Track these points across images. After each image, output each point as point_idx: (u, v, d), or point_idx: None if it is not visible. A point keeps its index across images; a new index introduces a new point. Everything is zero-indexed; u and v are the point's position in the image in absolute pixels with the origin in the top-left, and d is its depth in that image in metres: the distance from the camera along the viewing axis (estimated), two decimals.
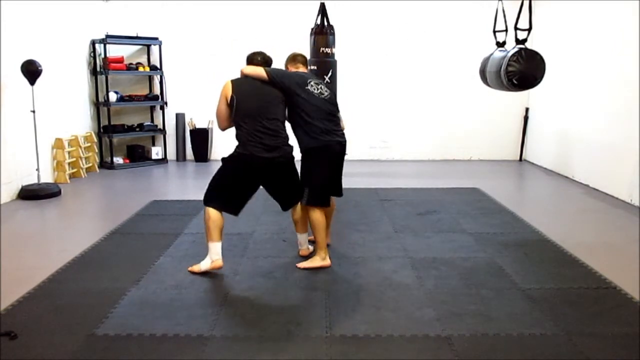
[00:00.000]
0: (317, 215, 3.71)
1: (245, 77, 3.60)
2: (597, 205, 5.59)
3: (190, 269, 3.66)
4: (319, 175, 3.72)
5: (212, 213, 3.54)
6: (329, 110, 3.71)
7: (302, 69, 3.85)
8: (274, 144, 3.51)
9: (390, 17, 7.97)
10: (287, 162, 3.64)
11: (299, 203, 3.81)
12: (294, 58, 3.89)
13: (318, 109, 3.64)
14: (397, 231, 4.60)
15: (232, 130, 3.63)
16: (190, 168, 7.72)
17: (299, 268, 3.73)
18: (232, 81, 3.57)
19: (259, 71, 3.57)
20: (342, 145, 3.75)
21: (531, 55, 4.54)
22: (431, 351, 2.67)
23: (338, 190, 3.94)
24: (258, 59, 3.66)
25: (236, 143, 3.57)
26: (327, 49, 6.39)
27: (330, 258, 3.81)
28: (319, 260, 3.76)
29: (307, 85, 3.64)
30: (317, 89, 3.67)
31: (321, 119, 3.64)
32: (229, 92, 3.51)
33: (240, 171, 3.54)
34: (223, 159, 3.63)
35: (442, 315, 3.03)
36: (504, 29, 4.93)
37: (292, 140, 3.67)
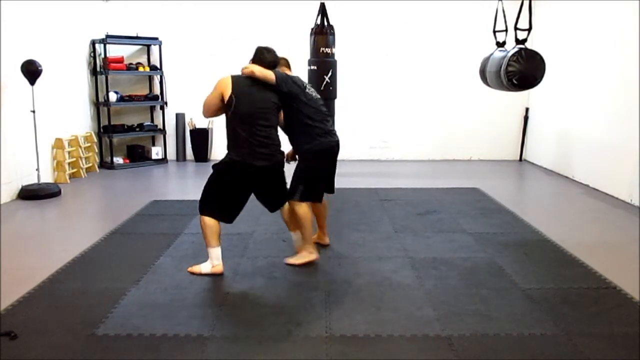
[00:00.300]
0: (304, 209, 3.73)
1: (246, 77, 3.52)
2: (597, 205, 5.59)
3: (190, 269, 3.66)
4: (318, 175, 3.80)
5: (208, 220, 3.53)
6: (325, 112, 3.80)
7: (286, 72, 3.86)
8: (268, 152, 3.49)
9: (390, 17, 7.97)
10: (279, 169, 3.65)
11: (287, 203, 3.83)
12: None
13: (317, 110, 3.72)
14: (397, 231, 4.60)
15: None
16: (190, 168, 7.72)
17: (288, 264, 3.77)
18: (233, 78, 3.48)
19: (268, 75, 3.50)
20: (338, 145, 3.85)
21: (531, 55, 4.54)
22: (431, 351, 2.67)
23: (332, 187, 4.00)
24: (268, 59, 3.56)
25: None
26: (327, 49, 6.40)
27: (320, 254, 3.82)
28: (307, 255, 3.79)
29: (306, 89, 3.71)
30: (313, 92, 3.76)
31: (321, 120, 3.73)
32: (228, 91, 3.43)
33: (233, 178, 3.51)
34: (215, 166, 3.59)
35: (442, 315, 3.03)
36: (504, 29, 4.93)
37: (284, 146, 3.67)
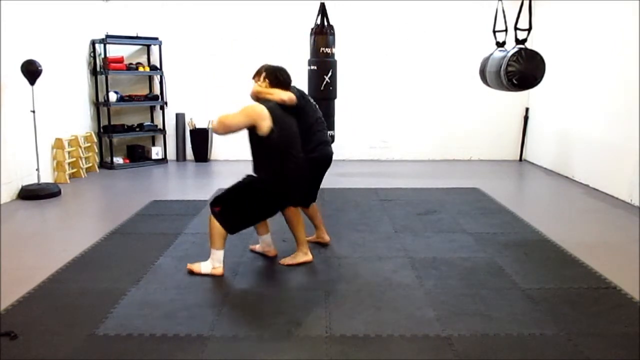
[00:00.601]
0: (294, 211, 3.78)
1: (275, 104, 3.46)
2: (597, 205, 5.59)
3: (190, 266, 3.65)
4: (315, 181, 3.89)
5: (218, 223, 3.54)
6: (324, 121, 3.88)
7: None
8: (300, 180, 3.57)
9: (390, 17, 7.97)
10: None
11: None
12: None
13: (319, 119, 3.81)
14: (397, 231, 4.60)
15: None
16: (190, 168, 7.70)
17: (283, 265, 3.77)
18: (269, 109, 3.39)
19: (294, 98, 3.52)
20: (332, 157, 3.96)
21: (531, 55, 4.54)
22: (431, 351, 2.67)
23: (315, 195, 4.03)
24: (286, 79, 3.57)
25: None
26: (327, 49, 6.40)
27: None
28: (302, 256, 3.81)
29: (310, 99, 3.77)
30: (313, 101, 3.85)
31: (322, 130, 3.82)
32: (267, 122, 3.34)
33: (262, 204, 3.53)
34: (249, 183, 3.52)
35: (442, 315, 3.03)
36: (504, 29, 4.93)
37: None
